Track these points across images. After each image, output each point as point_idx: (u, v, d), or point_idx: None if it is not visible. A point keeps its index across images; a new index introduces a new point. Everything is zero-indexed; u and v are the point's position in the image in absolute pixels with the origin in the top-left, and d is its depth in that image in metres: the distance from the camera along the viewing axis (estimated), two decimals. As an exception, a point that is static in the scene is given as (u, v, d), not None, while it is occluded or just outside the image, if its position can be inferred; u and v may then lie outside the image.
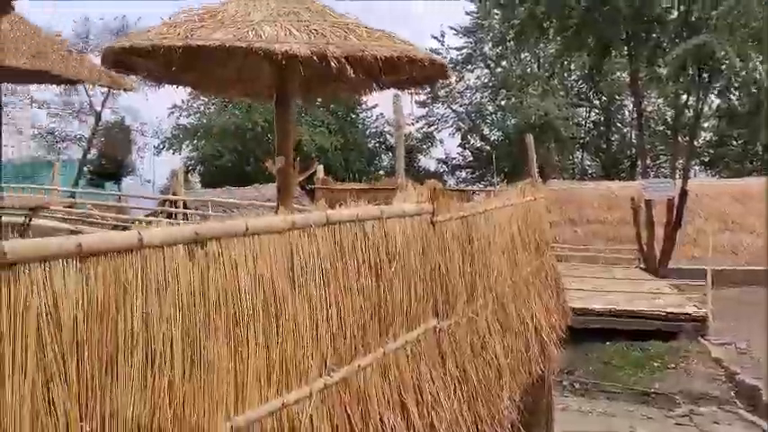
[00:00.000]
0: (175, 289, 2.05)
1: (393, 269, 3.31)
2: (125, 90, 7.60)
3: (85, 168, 30.43)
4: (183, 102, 30.10)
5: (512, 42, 27.77)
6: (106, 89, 28.00)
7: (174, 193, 12.12)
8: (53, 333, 1.68)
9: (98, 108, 30.18)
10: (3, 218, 7.42)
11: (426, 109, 33.18)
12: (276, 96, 5.82)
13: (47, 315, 1.67)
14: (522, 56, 31.57)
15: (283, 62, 4.71)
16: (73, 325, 1.73)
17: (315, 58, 4.61)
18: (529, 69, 31.73)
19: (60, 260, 1.72)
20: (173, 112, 30.37)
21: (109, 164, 31.82)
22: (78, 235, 1.79)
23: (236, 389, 2.30)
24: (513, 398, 4.68)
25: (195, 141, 30.61)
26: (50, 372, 1.67)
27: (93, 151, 31.61)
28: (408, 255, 3.56)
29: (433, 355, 3.77)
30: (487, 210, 4.83)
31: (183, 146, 30.77)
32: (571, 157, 33.35)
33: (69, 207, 12.30)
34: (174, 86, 6.72)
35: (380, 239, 3.29)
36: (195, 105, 30.91)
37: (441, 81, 6.47)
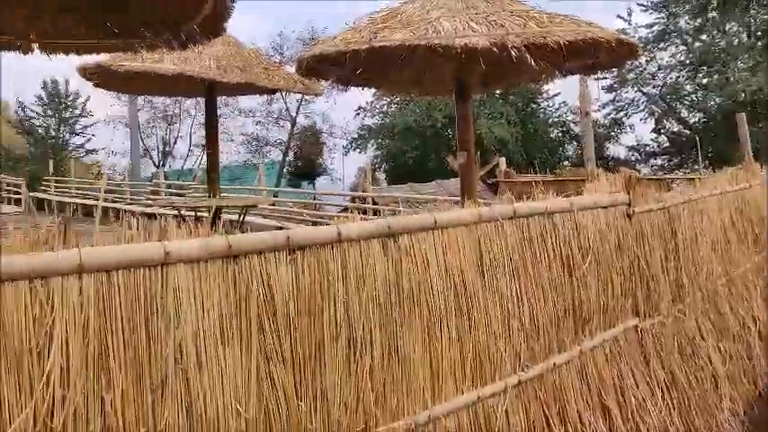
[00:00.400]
0: (372, 280, 2.15)
1: (587, 264, 3.16)
2: (316, 95, 8.17)
3: (285, 170, 33.18)
4: (367, 103, 31.49)
5: (714, 12, 25.05)
6: (300, 97, 30.42)
7: (363, 191, 12.77)
8: (270, 317, 1.85)
9: (293, 114, 32.78)
10: (222, 216, 8.37)
11: (614, 93, 31.14)
12: (456, 91, 5.84)
13: (264, 301, 1.85)
14: (728, 26, 28.29)
15: (463, 56, 4.70)
16: (285, 310, 1.89)
17: (495, 49, 4.54)
18: (736, 41, 28.33)
19: (273, 252, 1.89)
20: (358, 114, 31.93)
21: (304, 165, 34.36)
22: (287, 230, 1.95)
23: (433, 380, 2.35)
24: (734, 410, 4.21)
25: (380, 140, 31.85)
26: (269, 351, 1.84)
27: (291, 154, 34.36)
28: (602, 249, 3.37)
29: (635, 356, 3.53)
30: (692, 199, 4.40)
31: (369, 145, 32.17)
32: (794, 138, 29.14)
33: (272, 205, 13.54)
34: (360, 88, 7.04)
35: (571, 232, 3.15)
36: (378, 106, 32.15)
37: (629, 62, 6.01)
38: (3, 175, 22.23)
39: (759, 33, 26.87)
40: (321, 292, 2.00)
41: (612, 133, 32.06)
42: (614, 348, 3.38)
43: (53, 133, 30.65)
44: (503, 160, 9.74)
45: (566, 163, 30.46)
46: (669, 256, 3.97)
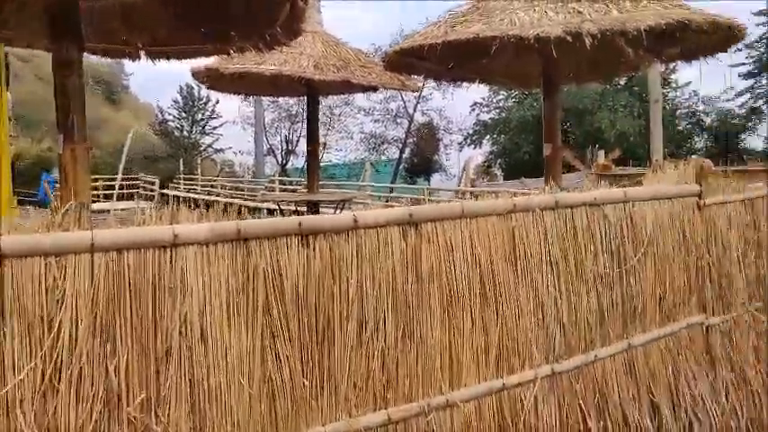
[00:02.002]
0: (388, 265, 2.25)
1: (637, 257, 3.05)
2: (412, 91, 8.27)
3: (402, 167, 33.70)
4: (483, 99, 31.25)
5: None
6: (417, 95, 30.78)
7: (465, 185, 12.77)
8: (278, 297, 2.02)
9: (411, 111, 33.17)
10: (320, 210, 8.77)
11: (753, 80, 28.60)
12: (543, 83, 5.72)
13: (273, 282, 2.01)
14: None
15: (536, 45, 4.62)
16: (295, 291, 2.04)
17: (568, 38, 4.41)
18: None
19: (285, 237, 2.05)
20: (473, 109, 31.75)
21: (420, 161, 34.70)
22: (300, 216, 2.10)
23: (451, 365, 2.42)
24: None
25: (495, 136, 31.49)
26: (276, 329, 2.00)
27: (408, 151, 34.81)
28: (664, 241, 3.23)
29: (698, 353, 3.36)
30: (786, 191, 4.05)
31: (484, 141, 31.88)
32: None
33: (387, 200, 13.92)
34: (455, 82, 7.07)
35: (625, 224, 3.06)
36: (495, 101, 31.76)
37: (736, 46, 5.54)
38: (142, 174, 24.48)
39: None
40: (333, 276, 2.13)
41: (750, 124, 29.51)
42: (672, 344, 3.23)
43: (186, 134, 33.22)
44: (602, 153, 9.30)
45: (694, 157, 28.47)
46: (749, 251, 3.71)
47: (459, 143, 34.05)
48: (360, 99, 31.63)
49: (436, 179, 35.71)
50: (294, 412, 2.02)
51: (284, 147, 33.37)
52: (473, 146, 32.70)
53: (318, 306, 2.09)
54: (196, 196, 19.86)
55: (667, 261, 3.24)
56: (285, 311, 2.02)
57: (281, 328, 2.01)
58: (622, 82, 28.18)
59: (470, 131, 33.00)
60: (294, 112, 32.53)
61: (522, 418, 2.56)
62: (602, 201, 2.98)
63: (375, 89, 9.02)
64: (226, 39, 5.34)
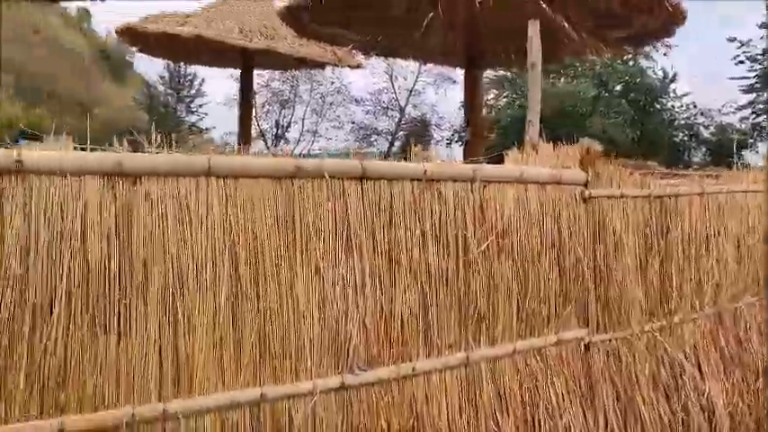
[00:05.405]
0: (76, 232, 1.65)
1: (481, 249, 2.45)
2: (349, 67, 7.58)
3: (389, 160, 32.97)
4: (473, 96, 30.72)
5: None
6: (411, 87, 30.17)
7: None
8: None
9: (402, 104, 32.54)
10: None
11: (755, 95, 27.90)
12: (466, 62, 5.11)
13: None
14: None
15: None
16: None
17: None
18: None
19: None
20: (462, 107, 31.17)
21: (408, 155, 33.99)
22: None
23: (178, 370, 1.82)
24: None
25: (485, 135, 30.90)
26: None
27: (398, 144, 34.14)
28: (528, 235, 2.63)
29: (572, 375, 2.76)
30: (708, 192, 3.46)
31: (471, 139, 31.32)
32: None
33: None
34: (376, 56, 6.45)
35: (471, 208, 2.46)
36: (485, 100, 31.15)
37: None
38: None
39: None
40: None
41: (751, 140, 28.89)
42: (535, 363, 2.63)
43: (171, 111, 32.45)
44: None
45: (691, 170, 27.92)
46: (651, 258, 3.10)
47: (447, 140, 33.51)
48: (353, 89, 31.10)
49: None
50: None
51: (275, 131, 32.66)
52: (460, 143, 32.27)
53: None
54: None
55: (533, 259, 2.64)
56: None
57: None
58: (618, 88, 27.64)
59: (458, 129, 32.50)
60: (286, 98, 31.87)
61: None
62: (437, 176, 2.37)
63: (312, 65, 8.27)
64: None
